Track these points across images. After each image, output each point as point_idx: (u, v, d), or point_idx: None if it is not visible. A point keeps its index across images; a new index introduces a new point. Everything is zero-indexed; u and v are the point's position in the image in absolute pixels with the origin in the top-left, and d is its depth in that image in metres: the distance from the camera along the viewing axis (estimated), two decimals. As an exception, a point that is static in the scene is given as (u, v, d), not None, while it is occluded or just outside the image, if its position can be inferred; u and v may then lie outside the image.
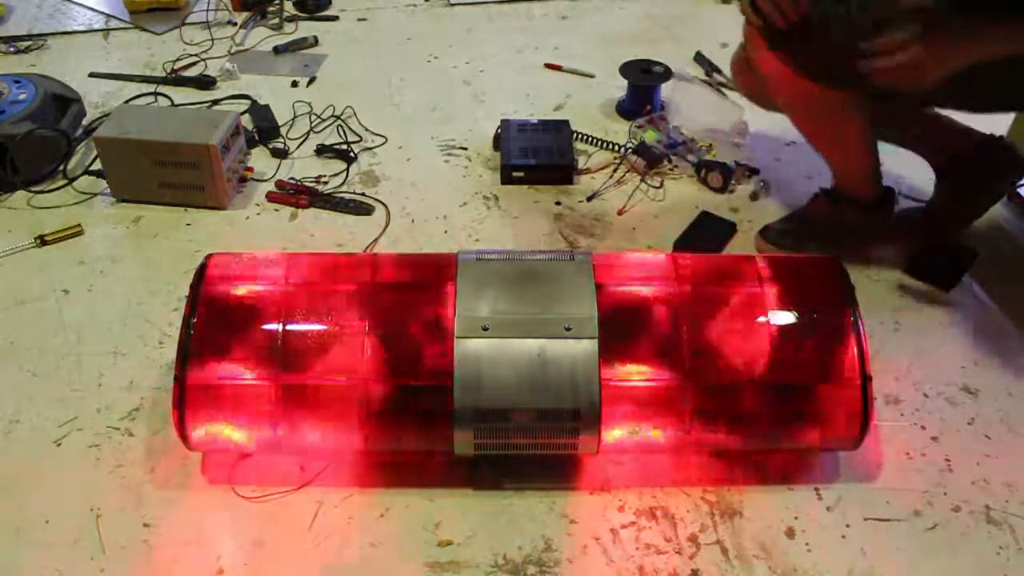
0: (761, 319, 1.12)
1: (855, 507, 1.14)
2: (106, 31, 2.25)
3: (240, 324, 1.12)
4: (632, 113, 1.89)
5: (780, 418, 1.11)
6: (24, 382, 1.30)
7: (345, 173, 1.73)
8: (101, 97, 1.96)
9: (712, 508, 1.13)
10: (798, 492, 1.15)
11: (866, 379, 1.09)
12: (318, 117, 1.89)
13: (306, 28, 2.26)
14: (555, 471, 1.17)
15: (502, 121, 1.81)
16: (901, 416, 1.26)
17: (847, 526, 1.11)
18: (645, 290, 1.16)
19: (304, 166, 1.75)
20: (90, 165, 1.72)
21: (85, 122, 1.84)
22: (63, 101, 1.79)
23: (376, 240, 1.57)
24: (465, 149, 1.82)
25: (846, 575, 1.06)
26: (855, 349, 1.10)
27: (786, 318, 1.13)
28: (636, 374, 1.09)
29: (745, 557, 1.08)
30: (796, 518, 1.12)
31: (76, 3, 2.36)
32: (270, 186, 1.69)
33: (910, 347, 1.36)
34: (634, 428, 1.10)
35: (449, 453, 1.13)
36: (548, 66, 2.11)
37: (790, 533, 1.11)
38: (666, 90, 1.89)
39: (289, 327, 1.11)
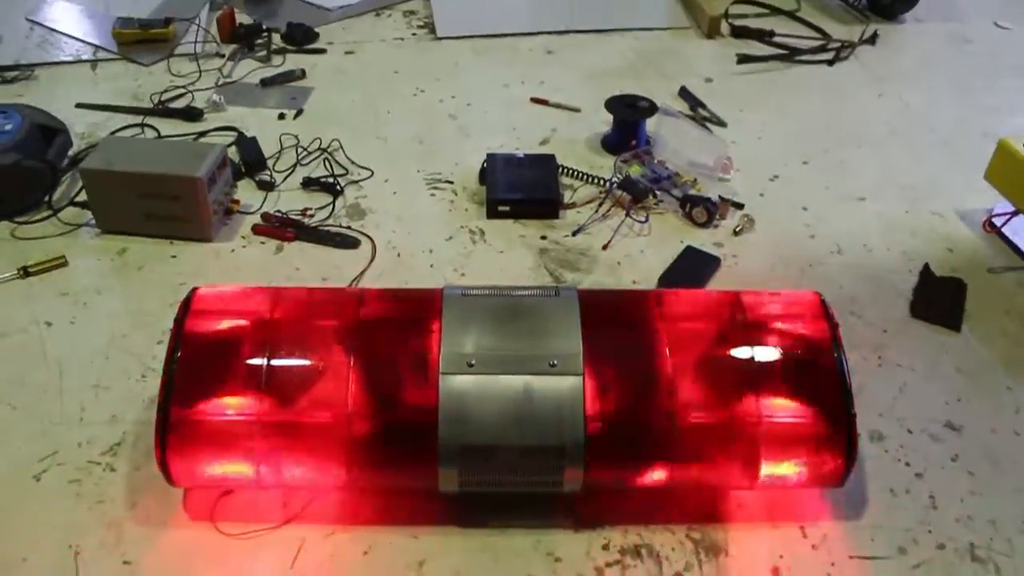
0: (745, 355, 1.13)
1: (840, 545, 1.13)
2: (94, 62, 2.25)
3: (224, 359, 1.11)
4: (617, 147, 1.90)
5: (764, 455, 1.11)
6: (3, 415, 1.29)
7: (331, 206, 1.73)
8: (87, 128, 1.96)
9: (697, 546, 1.13)
10: (783, 530, 1.15)
11: (850, 416, 1.09)
12: (305, 150, 1.89)
13: (294, 61, 2.27)
14: (540, 508, 1.17)
15: (488, 155, 1.82)
16: (885, 453, 1.26)
17: (832, 564, 1.11)
18: (630, 326, 1.16)
19: (290, 199, 1.75)
20: (75, 196, 1.71)
21: (71, 153, 1.83)
22: (49, 131, 1.78)
23: (362, 274, 1.57)
24: (451, 183, 1.82)
25: (831, 614, 1.06)
26: (839, 385, 1.10)
27: (770, 354, 1.13)
28: (621, 411, 1.09)
29: (730, 595, 1.08)
30: (781, 556, 1.12)
31: (64, 34, 2.36)
32: (256, 219, 1.69)
33: (893, 383, 1.37)
34: (619, 465, 1.10)
35: (434, 490, 1.12)
36: (534, 100, 2.13)
37: (775, 572, 1.10)
38: (651, 125, 1.91)
39: (274, 362, 1.10)
